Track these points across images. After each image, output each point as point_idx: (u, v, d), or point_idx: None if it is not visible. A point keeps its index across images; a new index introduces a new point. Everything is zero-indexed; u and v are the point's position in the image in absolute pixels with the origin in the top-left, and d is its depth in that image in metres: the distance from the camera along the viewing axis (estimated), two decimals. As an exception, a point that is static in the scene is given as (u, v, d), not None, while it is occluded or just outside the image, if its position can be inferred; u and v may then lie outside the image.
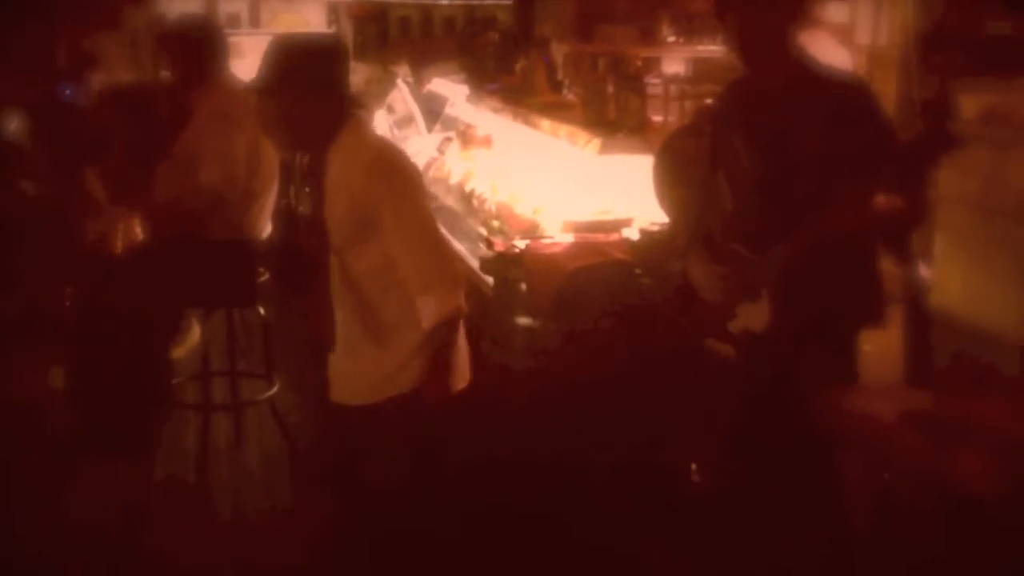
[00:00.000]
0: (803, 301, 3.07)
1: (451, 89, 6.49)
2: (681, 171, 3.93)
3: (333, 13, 10.56)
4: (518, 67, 5.59)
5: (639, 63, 4.76)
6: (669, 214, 3.98)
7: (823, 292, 3.08)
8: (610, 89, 4.53)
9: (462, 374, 3.35)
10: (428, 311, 3.14)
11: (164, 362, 4.63)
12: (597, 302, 3.99)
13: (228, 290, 4.49)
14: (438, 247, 3.24)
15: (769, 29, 3.10)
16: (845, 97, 3.07)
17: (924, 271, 3.71)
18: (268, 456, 4.75)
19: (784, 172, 3.09)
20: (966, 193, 3.58)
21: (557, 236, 4.46)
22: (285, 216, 5.25)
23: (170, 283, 4.39)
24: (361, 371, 3.31)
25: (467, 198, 5.32)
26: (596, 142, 4.32)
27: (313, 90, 3.17)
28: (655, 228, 4.14)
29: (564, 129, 4.54)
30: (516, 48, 6.09)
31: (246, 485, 4.59)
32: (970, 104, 3.54)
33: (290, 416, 4.79)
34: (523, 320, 4.12)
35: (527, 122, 4.86)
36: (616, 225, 4.43)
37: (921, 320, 3.70)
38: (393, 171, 3.20)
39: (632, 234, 4.29)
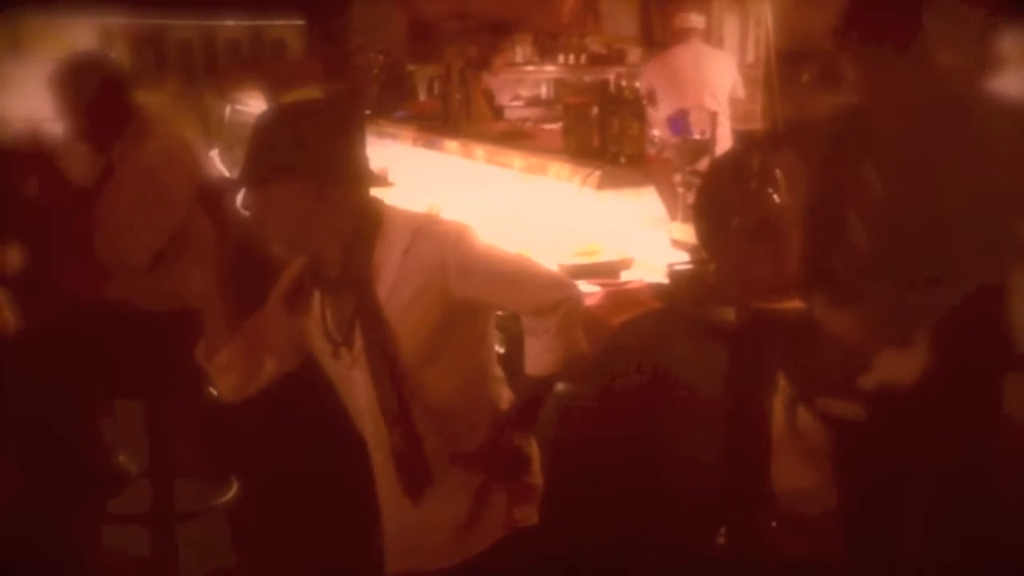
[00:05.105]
0: (960, 346, 2.70)
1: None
2: (730, 203, 3.52)
3: (105, 36, 9.45)
4: (433, 92, 4.99)
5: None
6: (716, 251, 3.54)
7: (978, 334, 2.73)
8: (594, 112, 4.03)
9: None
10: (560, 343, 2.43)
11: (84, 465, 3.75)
12: (645, 358, 3.51)
13: (166, 372, 3.66)
14: (531, 264, 2.56)
15: (901, 49, 2.72)
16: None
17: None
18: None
19: (931, 202, 2.72)
20: None
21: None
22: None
23: (87, 368, 3.57)
24: (447, 515, 2.50)
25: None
26: (595, 176, 3.82)
27: (340, 172, 2.36)
28: (686, 268, 3.69)
29: (551, 163, 4.00)
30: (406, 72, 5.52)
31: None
32: None
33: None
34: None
35: (491, 156, 4.28)
36: (617, 267, 3.94)
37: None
38: (474, 244, 2.46)
39: (645, 275, 3.83)
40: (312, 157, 2.31)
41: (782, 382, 3.67)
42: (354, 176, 2.39)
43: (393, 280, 2.38)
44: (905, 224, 2.77)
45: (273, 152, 2.33)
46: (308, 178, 2.31)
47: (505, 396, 2.58)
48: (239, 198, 2.48)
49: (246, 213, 2.44)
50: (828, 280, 2.93)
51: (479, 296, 2.43)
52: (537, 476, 2.60)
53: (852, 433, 2.95)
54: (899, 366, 2.75)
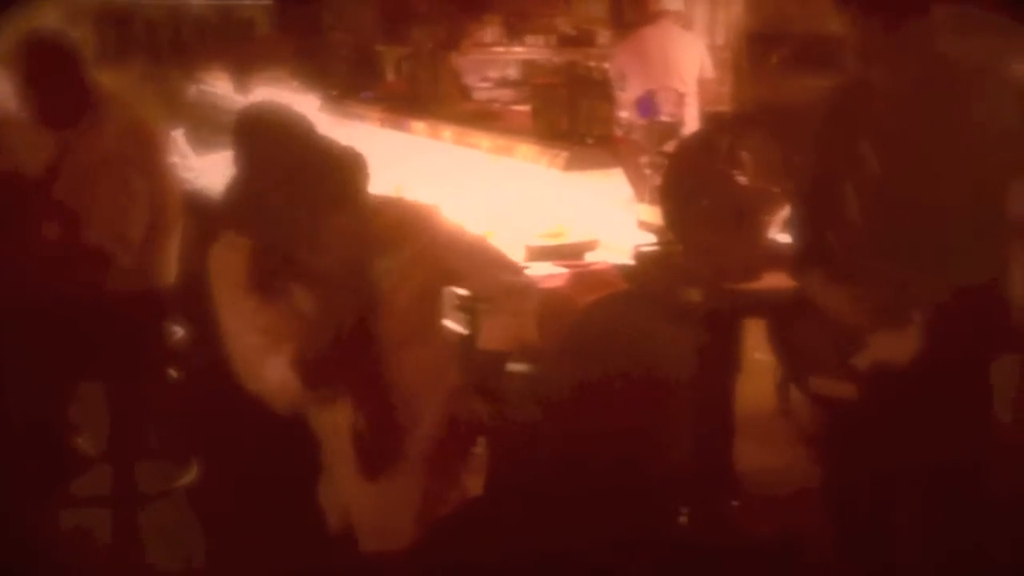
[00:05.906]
0: (955, 325, 2.69)
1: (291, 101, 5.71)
2: (698, 185, 3.51)
3: (71, 14, 9.29)
4: (401, 72, 4.96)
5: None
6: (684, 233, 3.54)
7: (973, 311, 2.72)
8: (563, 93, 4.01)
9: None
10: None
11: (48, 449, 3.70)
12: (611, 339, 3.49)
13: (129, 354, 3.62)
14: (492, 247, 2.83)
15: (903, 21, 2.71)
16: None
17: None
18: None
19: (928, 180, 2.71)
20: None
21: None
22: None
23: (50, 354, 3.52)
24: (410, 491, 2.59)
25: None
26: (562, 157, 3.80)
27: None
28: (653, 249, 3.68)
29: (519, 144, 3.98)
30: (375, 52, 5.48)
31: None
32: None
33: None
34: (518, 366, 3.53)
35: (459, 137, 4.25)
36: (583, 248, 3.93)
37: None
38: (448, 224, 2.66)
39: (611, 257, 3.82)
40: (291, 156, 2.38)
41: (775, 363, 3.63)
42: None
43: (376, 261, 2.45)
44: (901, 201, 2.74)
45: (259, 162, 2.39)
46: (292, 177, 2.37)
47: (457, 375, 2.71)
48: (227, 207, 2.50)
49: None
50: (824, 257, 2.91)
51: (453, 274, 2.62)
52: (481, 447, 2.77)
53: (844, 414, 2.92)
54: (894, 345, 2.72)
